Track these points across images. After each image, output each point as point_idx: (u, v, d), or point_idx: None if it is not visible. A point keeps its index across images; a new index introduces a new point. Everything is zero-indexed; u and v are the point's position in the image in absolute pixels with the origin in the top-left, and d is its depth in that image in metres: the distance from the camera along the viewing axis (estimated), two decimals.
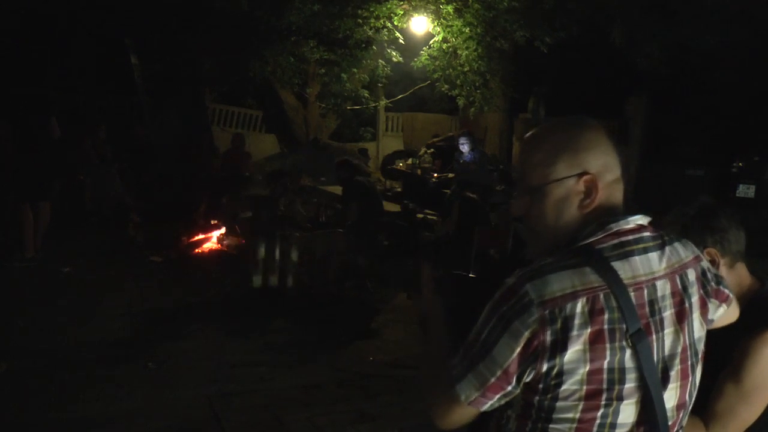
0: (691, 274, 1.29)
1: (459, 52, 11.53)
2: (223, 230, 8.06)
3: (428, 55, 11.90)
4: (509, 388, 1.19)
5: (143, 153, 10.40)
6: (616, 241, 1.23)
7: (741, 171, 11.92)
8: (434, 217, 8.59)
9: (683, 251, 1.30)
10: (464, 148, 9.58)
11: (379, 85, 12.94)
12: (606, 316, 1.16)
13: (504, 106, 13.87)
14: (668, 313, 1.23)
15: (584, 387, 1.16)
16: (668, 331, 1.23)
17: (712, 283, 1.34)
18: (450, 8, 10.84)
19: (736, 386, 1.61)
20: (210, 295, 6.36)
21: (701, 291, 1.30)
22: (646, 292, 1.22)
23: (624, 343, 1.16)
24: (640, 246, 1.24)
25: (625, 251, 1.23)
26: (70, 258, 7.13)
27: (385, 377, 4.49)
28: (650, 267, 1.23)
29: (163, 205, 8.98)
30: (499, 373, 1.18)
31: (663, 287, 1.24)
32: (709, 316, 1.33)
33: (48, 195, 7.26)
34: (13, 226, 7.02)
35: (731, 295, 1.40)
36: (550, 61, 11.83)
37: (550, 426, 1.19)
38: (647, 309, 1.21)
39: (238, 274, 6.84)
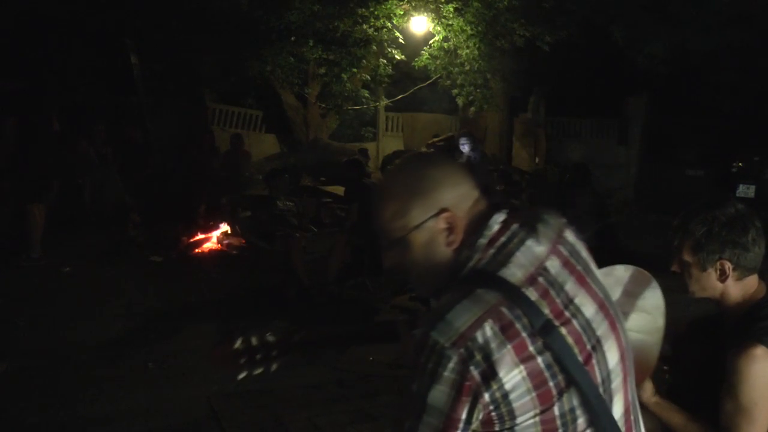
0: (570, 236, 1.29)
1: (460, 51, 11.52)
2: (223, 230, 8.06)
3: (429, 54, 11.89)
4: None
5: (143, 153, 10.40)
6: (492, 250, 1.21)
7: (741, 171, 11.92)
8: None
9: (552, 221, 1.28)
10: (464, 148, 9.55)
11: (382, 85, 12.89)
12: (518, 326, 1.14)
13: (504, 106, 13.86)
14: (569, 284, 1.22)
15: (534, 393, 1.14)
16: (580, 301, 1.21)
17: None
18: (450, 7, 10.84)
19: (734, 403, 1.60)
20: (210, 295, 6.36)
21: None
22: (542, 279, 1.20)
23: (540, 342, 1.14)
24: (515, 240, 1.22)
25: (504, 254, 1.20)
26: (70, 258, 7.12)
27: (385, 377, 4.49)
28: (533, 254, 1.21)
29: (163, 205, 8.97)
30: (444, 419, 1.16)
31: (553, 265, 1.22)
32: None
33: (43, 197, 7.24)
34: (15, 226, 7.02)
35: None
36: (550, 61, 11.83)
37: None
38: (551, 295, 1.19)
39: (238, 274, 6.83)
